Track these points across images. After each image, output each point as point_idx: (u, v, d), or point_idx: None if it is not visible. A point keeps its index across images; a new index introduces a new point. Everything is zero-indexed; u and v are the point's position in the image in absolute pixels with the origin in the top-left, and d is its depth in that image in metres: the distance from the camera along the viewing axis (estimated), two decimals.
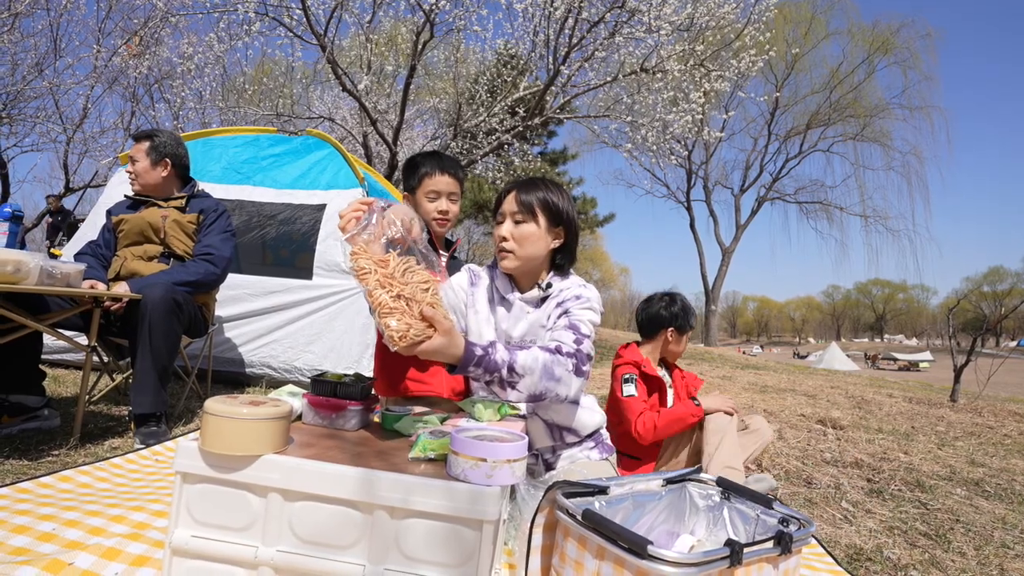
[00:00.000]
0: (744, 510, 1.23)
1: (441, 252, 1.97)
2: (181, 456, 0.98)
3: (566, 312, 1.44)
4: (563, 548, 1.02)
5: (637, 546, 0.87)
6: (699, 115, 6.61)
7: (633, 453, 2.12)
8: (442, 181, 1.85)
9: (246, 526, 0.97)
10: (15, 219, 2.05)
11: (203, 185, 3.68)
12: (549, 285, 1.51)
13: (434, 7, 5.83)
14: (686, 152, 23.08)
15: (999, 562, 1.69)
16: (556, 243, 1.52)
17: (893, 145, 24.81)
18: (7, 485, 1.44)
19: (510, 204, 1.49)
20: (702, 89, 6.46)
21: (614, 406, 2.13)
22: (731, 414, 2.02)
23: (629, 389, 2.08)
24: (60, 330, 2.02)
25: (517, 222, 1.48)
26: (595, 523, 0.95)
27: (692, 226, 26.51)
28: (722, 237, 25.96)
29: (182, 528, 0.98)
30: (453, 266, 1.95)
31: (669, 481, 1.27)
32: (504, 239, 1.48)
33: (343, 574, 0.93)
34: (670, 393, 2.21)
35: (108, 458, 1.80)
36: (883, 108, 23.54)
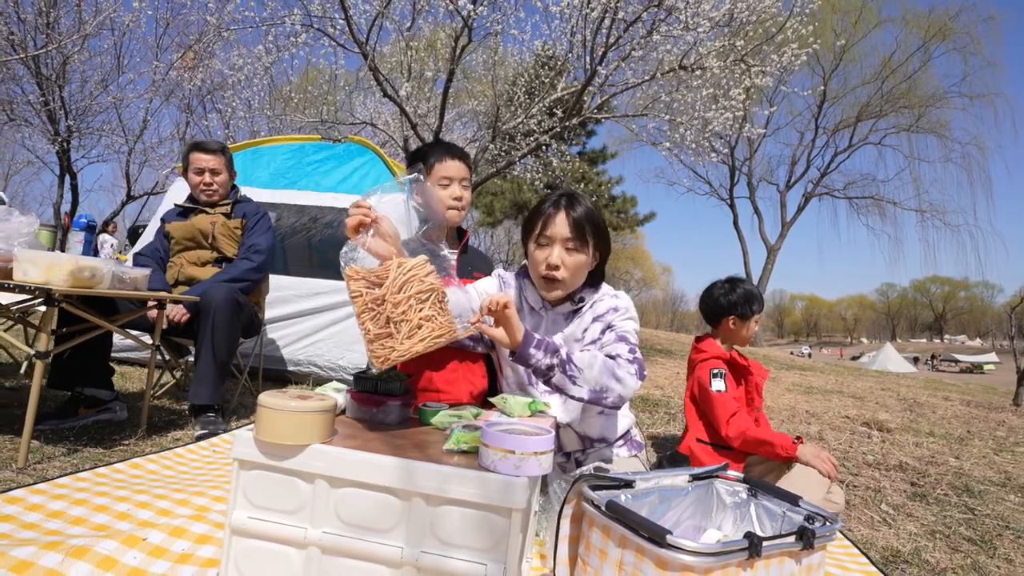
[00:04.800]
0: (771, 507, 1.25)
1: (447, 251, 1.88)
2: (238, 444, 1.08)
3: (610, 327, 1.48)
4: (589, 537, 1.07)
5: (657, 535, 0.91)
6: (740, 112, 6.48)
7: (723, 444, 2.01)
8: (452, 166, 1.79)
9: (296, 509, 1.06)
10: (89, 229, 2.27)
11: (251, 190, 3.88)
12: (582, 299, 1.53)
13: (472, 13, 5.93)
14: (728, 149, 22.56)
15: None
16: (594, 263, 1.54)
17: (951, 136, 23.60)
18: (87, 470, 1.60)
19: (562, 228, 1.44)
20: (742, 85, 6.34)
21: (701, 399, 2.06)
22: (824, 476, 1.79)
23: (719, 384, 2.01)
24: (127, 330, 2.19)
25: (569, 249, 1.45)
26: (618, 513, 1.00)
27: (736, 224, 25.89)
28: (767, 235, 25.25)
29: (239, 510, 1.08)
30: (466, 261, 1.92)
31: (695, 477, 1.30)
32: (556, 267, 1.44)
33: (383, 555, 1.01)
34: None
35: (171, 448, 1.95)
36: (940, 97, 22.38)
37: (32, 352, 1.62)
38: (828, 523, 1.12)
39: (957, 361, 39.40)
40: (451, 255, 1.89)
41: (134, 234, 7.50)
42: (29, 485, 1.42)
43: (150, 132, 11.76)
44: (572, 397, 1.33)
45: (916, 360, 38.29)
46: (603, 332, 1.47)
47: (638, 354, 1.39)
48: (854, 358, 40.97)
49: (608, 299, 1.53)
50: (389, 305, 1.12)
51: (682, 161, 8.73)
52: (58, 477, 1.51)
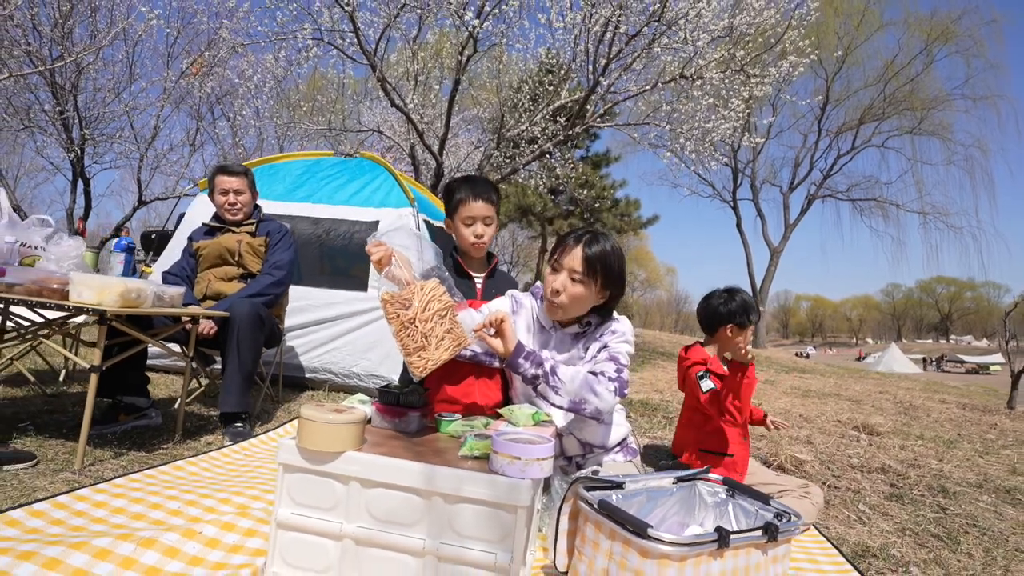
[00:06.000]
0: (746, 506, 1.42)
1: (474, 274, 2.09)
2: (283, 452, 1.25)
3: (606, 346, 1.66)
4: (584, 531, 1.24)
5: (640, 529, 1.09)
6: (740, 122, 6.64)
7: (724, 451, 2.10)
8: (476, 207, 1.96)
9: (332, 507, 1.23)
10: (129, 250, 2.42)
11: (268, 203, 4.07)
12: (589, 323, 1.71)
13: (477, 28, 6.10)
14: (731, 153, 22.70)
15: (1006, 564, 1.80)
16: (600, 301, 1.69)
17: (954, 138, 23.73)
18: (137, 472, 1.78)
19: (573, 260, 1.59)
20: (742, 96, 6.50)
21: (696, 407, 2.13)
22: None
23: (707, 384, 2.07)
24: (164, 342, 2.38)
25: (574, 280, 1.60)
26: (608, 511, 1.17)
27: (739, 226, 26.02)
28: (770, 237, 25.38)
29: (284, 507, 1.25)
30: (492, 284, 2.10)
31: (680, 479, 1.47)
32: (557, 292, 1.62)
33: (408, 546, 1.19)
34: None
35: (206, 452, 2.13)
36: (943, 99, 22.49)
37: (88, 366, 1.80)
38: (793, 519, 1.29)
39: (963, 362, 39.32)
40: (477, 278, 2.09)
41: (148, 240, 7.69)
42: (91, 485, 1.60)
43: (161, 139, 11.99)
44: (553, 405, 1.55)
45: (925, 361, 38.24)
46: (599, 351, 1.65)
47: (624, 374, 1.56)
48: (858, 359, 40.90)
49: (611, 322, 1.71)
50: (420, 323, 1.34)
51: (686, 164, 8.89)
52: (114, 478, 1.69)
